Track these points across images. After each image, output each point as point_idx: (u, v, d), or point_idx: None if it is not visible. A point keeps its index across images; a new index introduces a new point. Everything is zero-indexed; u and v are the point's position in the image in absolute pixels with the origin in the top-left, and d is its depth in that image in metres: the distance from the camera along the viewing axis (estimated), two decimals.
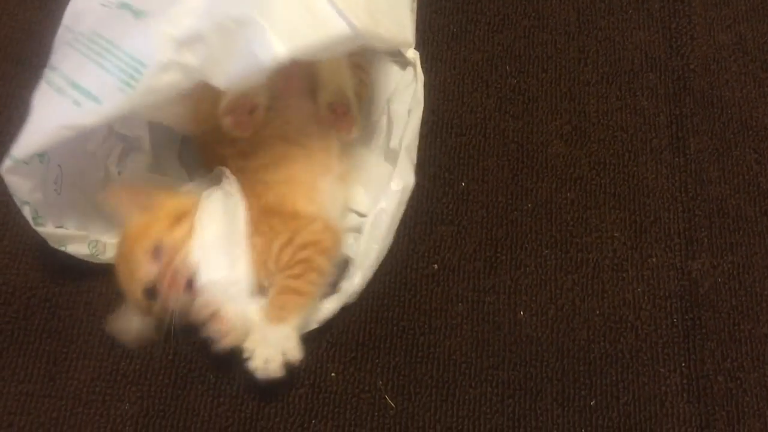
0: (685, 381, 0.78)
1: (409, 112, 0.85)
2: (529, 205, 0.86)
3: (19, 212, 0.80)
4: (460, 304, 0.81)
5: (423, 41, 0.92)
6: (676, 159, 0.89)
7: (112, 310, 0.76)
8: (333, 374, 0.77)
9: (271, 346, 0.69)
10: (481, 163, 0.88)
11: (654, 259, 0.83)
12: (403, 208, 0.81)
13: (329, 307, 0.76)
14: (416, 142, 0.84)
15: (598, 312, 0.81)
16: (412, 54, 0.87)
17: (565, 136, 0.90)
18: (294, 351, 0.71)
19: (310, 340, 0.78)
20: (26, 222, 0.73)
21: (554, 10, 0.97)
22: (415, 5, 0.87)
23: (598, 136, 0.90)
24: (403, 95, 0.88)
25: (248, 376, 0.70)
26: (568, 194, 0.87)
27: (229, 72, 0.63)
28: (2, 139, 0.86)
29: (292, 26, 0.63)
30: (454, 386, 0.77)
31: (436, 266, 0.82)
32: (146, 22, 0.65)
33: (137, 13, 0.66)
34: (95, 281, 0.79)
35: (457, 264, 0.83)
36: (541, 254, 0.83)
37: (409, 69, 0.89)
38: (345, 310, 0.79)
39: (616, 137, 0.90)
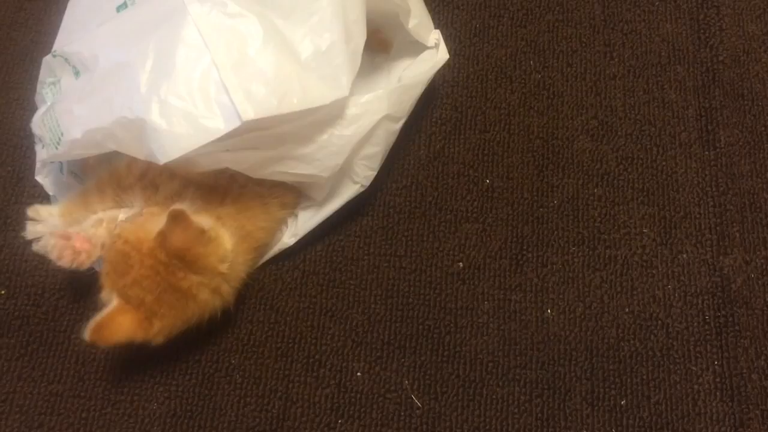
0: (718, 379, 0.77)
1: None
2: (555, 202, 0.85)
3: None
4: (486, 302, 0.80)
5: (445, 38, 0.90)
6: (706, 153, 0.87)
7: None
8: (359, 374, 0.77)
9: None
10: (506, 159, 0.87)
11: (684, 255, 0.82)
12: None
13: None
14: (422, 87, 0.82)
15: (627, 310, 0.80)
16: (435, 37, 0.85)
17: (591, 131, 0.88)
18: None
19: (336, 338, 0.78)
20: None
21: (578, 3, 0.95)
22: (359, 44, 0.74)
23: (626, 130, 0.88)
24: (420, 68, 0.85)
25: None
26: (595, 190, 0.85)
27: (141, 155, 0.67)
28: None
29: (182, 130, 0.64)
30: (481, 386, 0.77)
31: (461, 264, 0.82)
32: (68, 104, 0.71)
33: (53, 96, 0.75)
34: None
35: (482, 262, 0.82)
36: (568, 251, 0.82)
37: (426, 52, 0.86)
38: (368, 310, 0.79)
39: (644, 131, 0.88)
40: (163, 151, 0.64)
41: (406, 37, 0.84)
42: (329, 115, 0.73)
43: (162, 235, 0.69)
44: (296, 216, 0.82)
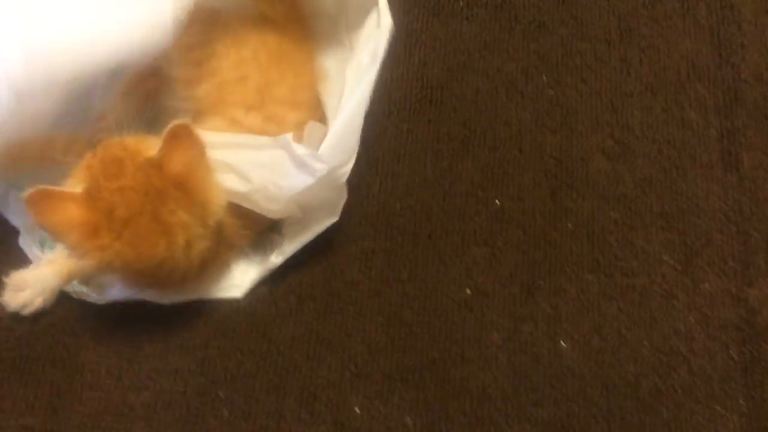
0: (744, 420, 0.74)
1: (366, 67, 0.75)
2: (570, 226, 0.82)
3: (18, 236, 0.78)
4: (495, 332, 0.77)
5: (454, 50, 0.89)
6: (729, 175, 0.85)
7: (120, 338, 0.72)
8: (357, 409, 0.74)
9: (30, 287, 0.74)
10: (517, 179, 0.84)
11: (707, 285, 0.79)
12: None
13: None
14: (360, 117, 0.73)
15: (646, 343, 0.77)
16: None
17: (607, 150, 0.86)
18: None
19: (333, 370, 0.74)
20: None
21: (594, 17, 0.93)
22: None
23: (643, 150, 0.86)
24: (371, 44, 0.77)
25: None
26: (612, 213, 0.82)
27: None
28: None
29: None
30: (489, 424, 0.73)
31: (468, 291, 0.79)
32: None
33: None
34: (103, 307, 0.76)
35: (491, 289, 0.79)
36: (582, 279, 0.79)
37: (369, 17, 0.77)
38: (368, 339, 0.75)
39: (663, 152, 0.86)
40: None
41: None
42: (270, 159, 0.67)
43: (157, 161, 0.62)
44: (281, 233, 0.77)
